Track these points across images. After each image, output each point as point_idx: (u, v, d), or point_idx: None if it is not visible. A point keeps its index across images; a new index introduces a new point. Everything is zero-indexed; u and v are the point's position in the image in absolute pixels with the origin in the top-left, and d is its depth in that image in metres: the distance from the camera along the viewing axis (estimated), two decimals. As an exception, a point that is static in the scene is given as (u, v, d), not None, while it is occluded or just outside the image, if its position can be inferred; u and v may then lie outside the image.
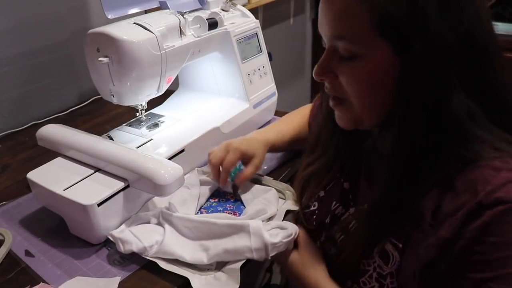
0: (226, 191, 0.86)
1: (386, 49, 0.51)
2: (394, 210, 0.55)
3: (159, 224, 0.73)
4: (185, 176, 0.86)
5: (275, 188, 0.84)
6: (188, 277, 0.65)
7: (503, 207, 0.46)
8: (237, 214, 0.79)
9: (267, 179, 0.87)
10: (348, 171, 0.69)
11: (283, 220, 0.74)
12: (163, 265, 0.67)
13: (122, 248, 0.69)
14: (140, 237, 0.69)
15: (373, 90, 0.54)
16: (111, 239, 0.71)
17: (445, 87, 0.50)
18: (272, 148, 0.89)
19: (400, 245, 0.54)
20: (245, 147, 0.82)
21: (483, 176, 0.48)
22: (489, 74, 0.51)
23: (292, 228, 0.68)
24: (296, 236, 0.68)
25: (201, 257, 0.67)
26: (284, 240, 0.66)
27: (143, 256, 0.68)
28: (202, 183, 0.85)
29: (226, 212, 0.80)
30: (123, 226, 0.74)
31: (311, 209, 0.72)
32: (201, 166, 0.91)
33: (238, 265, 0.65)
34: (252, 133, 0.92)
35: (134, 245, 0.68)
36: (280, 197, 0.82)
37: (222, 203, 0.83)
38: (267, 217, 0.75)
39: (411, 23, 0.48)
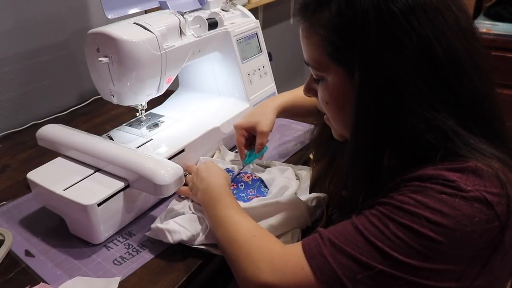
0: (240, 178, 0.87)
1: (341, 72, 0.54)
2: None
3: (194, 214, 0.74)
4: None
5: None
6: None
7: (435, 180, 0.48)
8: (261, 197, 0.80)
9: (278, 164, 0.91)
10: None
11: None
12: (212, 250, 0.68)
13: (170, 238, 0.69)
14: (187, 226, 0.70)
15: (339, 109, 0.58)
16: (151, 235, 0.72)
17: (396, 105, 0.50)
18: (286, 112, 0.89)
19: None
20: (245, 121, 0.85)
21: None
22: (461, 88, 0.50)
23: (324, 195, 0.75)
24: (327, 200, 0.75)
25: None
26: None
27: (188, 244, 0.69)
28: None
29: (250, 197, 0.81)
30: (160, 219, 0.73)
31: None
32: None
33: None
34: (266, 99, 0.93)
35: (183, 234, 0.69)
36: (295, 178, 0.85)
37: (242, 189, 0.83)
38: (290, 193, 0.77)
39: (351, 52, 0.51)
